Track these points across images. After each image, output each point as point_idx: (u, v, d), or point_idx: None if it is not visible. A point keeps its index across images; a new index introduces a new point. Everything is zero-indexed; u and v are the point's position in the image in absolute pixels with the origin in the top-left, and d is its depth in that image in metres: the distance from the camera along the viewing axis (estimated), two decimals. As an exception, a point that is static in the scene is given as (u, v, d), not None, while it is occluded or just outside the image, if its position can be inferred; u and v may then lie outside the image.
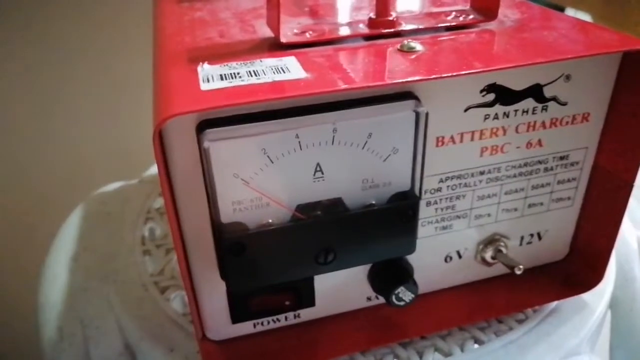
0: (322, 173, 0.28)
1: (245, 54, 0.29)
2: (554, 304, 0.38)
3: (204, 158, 0.26)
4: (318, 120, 0.27)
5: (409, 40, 0.29)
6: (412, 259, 0.33)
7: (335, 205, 0.29)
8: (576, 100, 0.32)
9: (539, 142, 0.33)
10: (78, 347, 0.38)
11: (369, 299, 0.35)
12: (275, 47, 0.29)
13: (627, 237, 0.49)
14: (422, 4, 0.36)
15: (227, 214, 0.28)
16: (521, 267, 0.34)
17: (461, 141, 0.31)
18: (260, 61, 0.28)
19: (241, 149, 0.26)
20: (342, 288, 0.34)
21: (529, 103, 0.31)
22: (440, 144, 0.31)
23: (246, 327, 0.34)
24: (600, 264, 0.36)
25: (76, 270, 0.43)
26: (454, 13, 0.33)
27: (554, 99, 0.32)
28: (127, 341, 0.37)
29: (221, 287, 0.31)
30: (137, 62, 0.66)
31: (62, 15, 0.69)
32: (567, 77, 0.31)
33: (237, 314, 0.32)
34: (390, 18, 0.31)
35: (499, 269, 0.37)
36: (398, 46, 0.29)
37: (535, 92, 0.31)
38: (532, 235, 0.37)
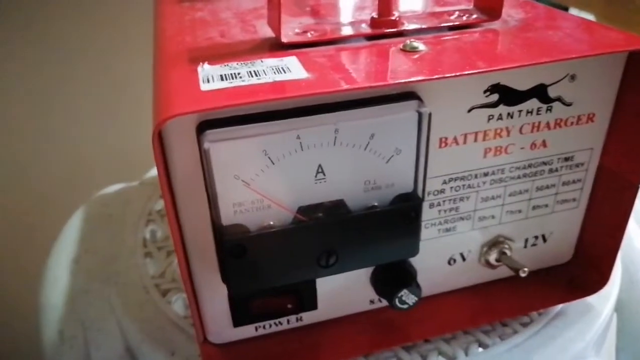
0: (324, 174, 0.28)
1: (245, 54, 0.28)
2: (559, 307, 0.38)
3: (204, 159, 0.26)
4: (320, 121, 0.26)
5: (412, 40, 0.29)
6: (415, 261, 0.33)
7: (337, 207, 0.29)
8: (581, 101, 0.32)
9: (544, 143, 0.33)
10: (79, 350, 0.37)
11: (371, 302, 0.35)
12: (276, 47, 0.29)
13: (633, 239, 0.48)
14: (424, 3, 0.36)
15: (227, 216, 0.27)
16: (526, 269, 0.33)
17: (465, 142, 0.31)
18: (261, 61, 0.27)
19: (242, 150, 0.26)
20: (344, 291, 0.34)
21: (533, 103, 0.31)
22: (443, 145, 0.30)
23: (248, 331, 0.33)
24: (605, 267, 0.35)
25: (77, 272, 0.43)
26: (457, 12, 0.33)
27: (559, 99, 0.31)
28: (128, 344, 0.37)
29: (222, 290, 0.31)
30: (137, 62, 0.66)
31: (62, 15, 0.69)
32: (572, 77, 0.31)
33: (239, 317, 0.32)
34: (393, 18, 0.31)
35: (503, 271, 0.36)
36: (401, 46, 0.29)
37: (540, 92, 0.31)
38: (536, 237, 0.37)
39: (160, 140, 0.26)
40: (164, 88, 0.26)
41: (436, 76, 0.26)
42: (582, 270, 0.37)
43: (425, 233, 0.33)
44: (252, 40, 0.31)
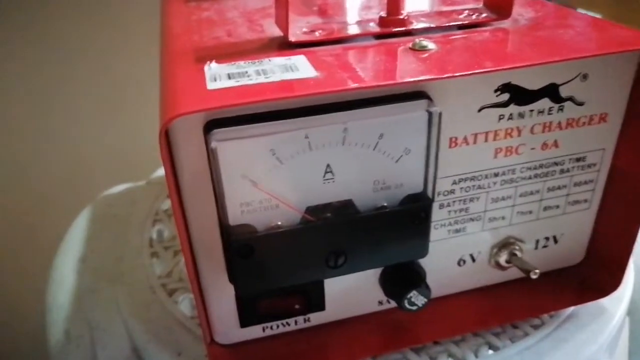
0: (333, 174, 0.28)
1: (253, 53, 0.28)
2: (571, 309, 0.37)
3: (211, 159, 0.25)
4: (328, 120, 0.26)
5: (421, 38, 0.29)
6: (424, 262, 0.33)
7: (345, 207, 0.28)
8: (593, 100, 0.31)
9: (555, 143, 0.32)
10: (85, 350, 0.37)
11: (380, 303, 0.35)
12: (284, 46, 0.29)
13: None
14: (433, 2, 0.35)
15: (235, 216, 0.27)
16: (537, 271, 0.33)
17: (475, 142, 0.30)
18: (269, 60, 0.27)
19: (249, 150, 0.26)
20: (352, 292, 0.33)
21: (544, 103, 0.30)
22: (453, 145, 0.30)
23: (255, 331, 0.33)
24: (618, 268, 0.35)
25: (84, 272, 0.43)
26: (466, 11, 0.33)
27: (571, 99, 0.31)
28: (134, 344, 0.37)
29: (230, 290, 0.30)
30: (139, 62, 0.66)
31: (63, 15, 0.69)
32: (584, 77, 0.30)
33: (246, 318, 0.32)
34: (402, 16, 0.31)
35: (513, 273, 0.36)
36: (410, 45, 0.28)
37: (551, 91, 0.30)
38: (547, 238, 0.36)
39: (167, 139, 0.25)
40: (170, 87, 0.25)
41: (446, 75, 0.25)
42: (594, 272, 0.37)
43: (435, 234, 0.33)
44: (259, 39, 0.31)
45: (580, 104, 0.31)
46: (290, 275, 0.29)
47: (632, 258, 0.35)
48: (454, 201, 0.32)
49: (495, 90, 0.29)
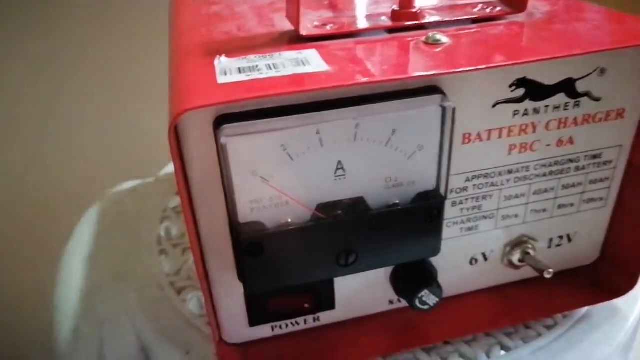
0: (344, 171, 0.27)
1: (264, 47, 0.28)
2: (585, 309, 0.37)
3: (221, 155, 0.25)
4: (340, 115, 0.25)
5: (435, 32, 0.28)
6: (436, 261, 0.32)
7: (357, 205, 0.28)
8: (611, 96, 0.30)
9: (570, 140, 0.31)
10: (93, 348, 0.37)
11: (391, 302, 0.34)
12: (295, 40, 0.29)
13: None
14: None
15: (245, 213, 0.27)
16: (551, 270, 0.32)
17: (489, 138, 0.30)
18: (280, 54, 0.27)
19: (260, 146, 0.25)
20: (363, 291, 0.33)
21: (560, 98, 0.30)
22: (466, 141, 0.29)
23: (264, 330, 0.33)
24: (633, 268, 0.34)
25: (92, 269, 0.43)
26: (480, 5, 0.32)
27: (587, 94, 0.30)
28: (142, 343, 0.36)
29: (239, 288, 0.30)
30: (149, 58, 0.66)
31: (68, 14, 0.69)
32: (602, 71, 0.29)
33: (255, 317, 0.32)
34: (414, 10, 0.30)
35: (526, 272, 0.35)
36: (423, 39, 0.28)
37: (567, 86, 0.29)
38: (561, 237, 0.35)
39: (176, 135, 0.25)
40: (180, 81, 0.25)
41: (460, 69, 0.25)
42: (609, 271, 0.36)
43: (447, 232, 0.32)
44: (269, 33, 0.30)
45: (597, 99, 0.30)
46: (300, 274, 0.29)
47: (649, 258, 0.34)
48: (466, 199, 0.32)
49: (510, 86, 0.28)
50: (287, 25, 0.30)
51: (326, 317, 0.33)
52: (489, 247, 0.34)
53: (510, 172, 0.31)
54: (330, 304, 0.33)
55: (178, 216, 0.48)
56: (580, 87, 0.30)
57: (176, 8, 0.37)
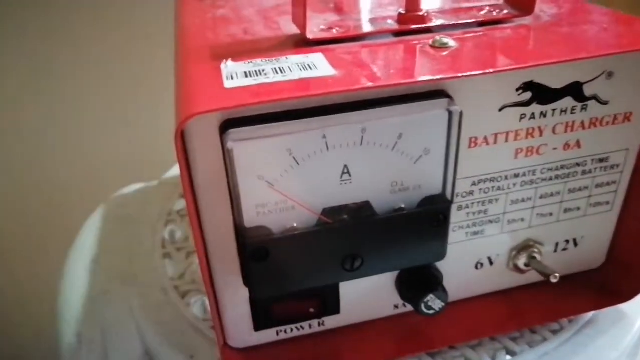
0: (350, 175, 0.27)
1: (270, 51, 0.28)
2: (591, 314, 0.36)
3: (227, 159, 0.25)
4: (346, 119, 0.25)
5: (441, 36, 0.28)
6: (441, 265, 0.32)
7: (362, 209, 0.28)
8: (618, 99, 0.30)
9: (577, 144, 0.31)
10: (97, 352, 0.37)
11: (396, 306, 0.34)
12: (301, 43, 0.28)
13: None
14: (453, -1, 0.35)
15: (250, 218, 0.26)
16: (557, 275, 0.32)
17: (495, 142, 0.30)
18: (286, 58, 0.26)
19: (266, 150, 0.25)
20: (368, 295, 0.33)
21: (567, 102, 0.30)
22: (473, 145, 0.29)
23: (269, 335, 0.33)
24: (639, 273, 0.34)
25: (96, 273, 0.43)
26: (487, 8, 0.32)
27: (595, 97, 0.30)
28: (147, 347, 0.36)
29: (244, 293, 0.30)
30: (154, 60, 0.66)
31: (74, 16, 0.69)
32: (609, 75, 0.29)
33: (260, 321, 0.31)
34: (421, 13, 0.30)
35: (532, 276, 0.35)
36: (430, 42, 0.28)
37: (575, 90, 0.29)
38: (567, 241, 0.35)
39: (182, 139, 0.25)
40: (186, 86, 0.25)
41: (467, 73, 0.25)
42: (615, 276, 0.36)
43: (453, 236, 0.32)
44: (276, 36, 0.30)
45: (605, 102, 0.30)
46: (306, 279, 0.29)
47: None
48: (472, 203, 0.31)
49: (517, 89, 0.28)
50: (293, 29, 0.30)
51: (331, 322, 0.33)
52: (494, 252, 0.34)
53: (516, 176, 0.31)
54: (335, 309, 0.32)
55: (182, 219, 0.48)
56: (588, 90, 0.29)
57: (181, 11, 0.37)
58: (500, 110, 0.29)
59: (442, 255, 0.30)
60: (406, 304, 0.33)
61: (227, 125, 0.24)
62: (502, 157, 0.30)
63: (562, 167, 0.32)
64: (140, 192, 0.54)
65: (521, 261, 0.34)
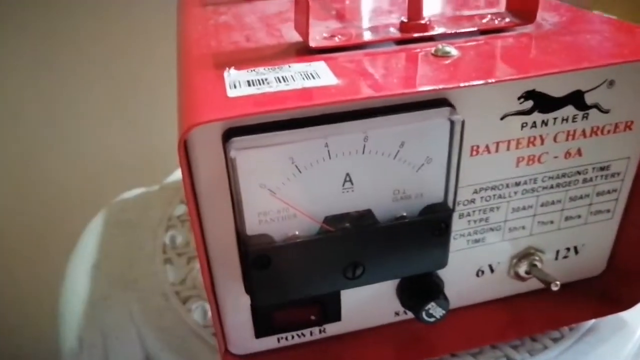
0: (352, 183, 0.27)
1: (272, 59, 0.28)
2: (592, 322, 0.36)
3: (230, 167, 0.25)
4: (348, 128, 0.25)
5: (444, 44, 0.28)
6: (442, 273, 0.32)
7: (364, 217, 0.28)
8: (619, 108, 0.30)
9: (579, 152, 0.31)
10: (98, 358, 0.37)
11: (397, 314, 0.34)
12: (304, 51, 0.28)
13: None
14: (455, 7, 0.35)
15: (252, 226, 0.27)
16: (558, 282, 0.32)
17: (497, 151, 0.30)
18: (289, 66, 0.26)
19: (268, 158, 0.25)
20: (369, 302, 0.33)
21: (569, 110, 0.30)
22: (474, 153, 0.29)
23: (270, 342, 0.32)
24: (641, 281, 0.34)
25: (96, 278, 0.43)
26: (489, 16, 0.32)
27: (596, 106, 0.30)
28: (147, 352, 0.36)
29: (245, 300, 0.30)
30: (154, 64, 0.66)
31: (75, 18, 0.69)
32: (611, 83, 0.29)
33: (261, 328, 0.31)
34: (423, 21, 0.30)
35: (533, 284, 0.35)
36: (432, 51, 0.28)
37: (576, 99, 0.29)
38: (568, 249, 0.35)
39: (184, 147, 0.25)
40: (189, 94, 0.25)
41: (469, 83, 0.25)
42: (616, 284, 0.36)
43: (454, 244, 0.32)
44: (278, 44, 0.30)
45: (606, 111, 0.30)
46: (307, 287, 0.29)
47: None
48: (474, 211, 0.31)
49: (519, 98, 0.28)
50: (295, 36, 0.30)
51: (332, 329, 0.33)
52: (495, 259, 0.34)
53: (517, 184, 0.31)
54: (336, 316, 0.32)
55: (183, 224, 0.48)
56: (589, 99, 0.30)
57: (183, 17, 0.37)
58: (502, 118, 0.29)
59: (443, 263, 0.30)
60: (407, 311, 0.33)
61: (229, 134, 0.24)
62: (504, 165, 0.30)
63: (563, 175, 0.32)
64: (141, 197, 0.54)
65: (522, 269, 0.34)
